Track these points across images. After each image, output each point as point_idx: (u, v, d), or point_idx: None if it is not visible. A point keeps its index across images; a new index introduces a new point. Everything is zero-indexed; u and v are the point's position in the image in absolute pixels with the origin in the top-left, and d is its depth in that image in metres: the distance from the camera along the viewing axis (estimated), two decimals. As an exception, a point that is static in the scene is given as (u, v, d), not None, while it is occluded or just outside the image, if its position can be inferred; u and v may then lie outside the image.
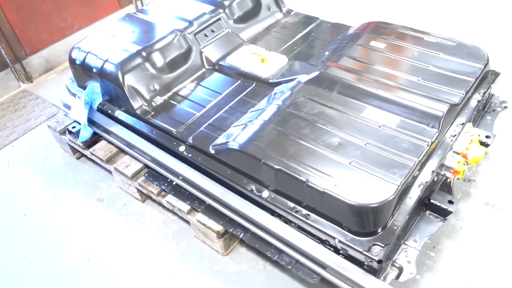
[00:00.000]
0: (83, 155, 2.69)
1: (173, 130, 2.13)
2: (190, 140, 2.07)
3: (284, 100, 2.06)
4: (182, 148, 2.07)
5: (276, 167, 1.75)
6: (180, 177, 2.07)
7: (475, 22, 3.53)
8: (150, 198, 2.34)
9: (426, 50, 2.28)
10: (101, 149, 2.41)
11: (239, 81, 2.40)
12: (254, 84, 2.36)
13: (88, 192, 2.47)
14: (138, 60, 2.29)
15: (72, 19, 3.79)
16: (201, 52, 2.52)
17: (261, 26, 2.82)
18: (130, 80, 2.25)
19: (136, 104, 2.26)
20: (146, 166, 2.29)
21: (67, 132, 2.53)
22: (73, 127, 2.47)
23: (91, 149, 2.42)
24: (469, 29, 3.44)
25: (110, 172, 2.50)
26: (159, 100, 2.32)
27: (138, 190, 2.30)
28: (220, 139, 2.01)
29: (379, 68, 2.18)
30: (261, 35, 2.77)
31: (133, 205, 2.36)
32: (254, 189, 1.86)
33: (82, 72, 2.42)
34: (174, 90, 2.38)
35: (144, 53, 2.32)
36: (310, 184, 1.68)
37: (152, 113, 2.25)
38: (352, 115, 1.95)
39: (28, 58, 3.58)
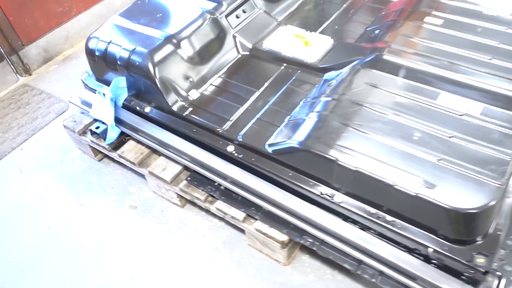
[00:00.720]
0: (105, 156, 2.42)
1: (218, 127, 1.89)
2: (239, 138, 1.83)
3: (342, 89, 1.82)
4: (230, 148, 1.83)
5: (354, 168, 1.53)
6: (230, 181, 1.83)
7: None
8: (190, 202, 2.10)
9: (489, 25, 2.05)
10: (131, 150, 2.15)
11: (282, 68, 2.15)
12: (299, 71, 2.11)
13: (118, 199, 2.22)
14: (170, 49, 2.01)
15: (69, 3, 3.45)
16: (234, 37, 2.24)
17: (294, 4, 2.54)
18: (162, 72, 1.97)
19: (171, 99, 2.00)
20: (185, 168, 2.05)
21: (89, 133, 2.25)
22: (97, 128, 2.19)
23: (119, 151, 2.16)
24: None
25: (140, 174, 2.25)
26: (195, 93, 2.05)
27: (178, 195, 2.06)
28: (276, 137, 1.78)
29: (442, 48, 1.96)
30: (294, 14, 2.51)
31: (171, 211, 2.13)
32: (323, 192, 1.64)
33: (104, 64, 2.13)
34: (210, 81, 2.12)
35: (174, 40, 2.04)
36: (398, 187, 1.47)
37: (190, 108, 1.99)
38: (426, 103, 1.73)
39: (25, 48, 3.25)
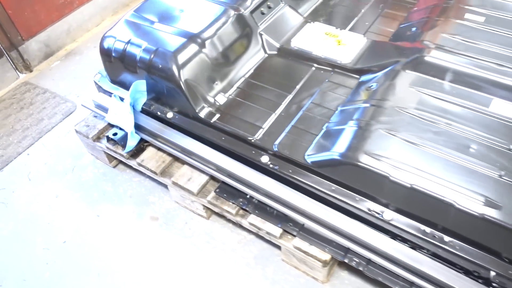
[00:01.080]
0: (120, 162, 2.27)
1: (250, 136, 1.75)
2: (274, 148, 1.69)
3: (384, 94, 1.69)
4: (265, 159, 1.69)
5: (409, 185, 1.41)
6: (264, 193, 1.70)
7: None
8: (216, 213, 1.97)
9: (536, 23, 1.93)
10: (151, 158, 2.00)
11: (313, 69, 2.00)
12: (332, 72, 1.97)
13: (137, 209, 2.08)
14: (194, 49, 1.86)
15: (71, -6, 3.24)
16: (260, 35, 2.09)
17: (319, -1, 2.39)
18: (187, 74, 1.82)
19: (197, 104, 1.85)
20: (212, 178, 1.91)
21: (104, 139, 2.09)
22: (114, 134, 2.03)
23: (138, 159, 2.01)
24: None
25: (159, 183, 2.11)
26: (222, 98, 1.91)
27: (205, 207, 1.92)
28: (316, 147, 1.64)
29: (489, 48, 1.83)
30: (320, 10, 2.35)
31: (196, 223, 2.00)
32: (371, 208, 1.52)
33: (121, 66, 1.96)
34: (237, 84, 1.97)
35: (199, 40, 1.88)
36: (460, 207, 1.35)
37: (218, 115, 1.84)
38: (478, 110, 1.61)
39: (25, 43, 3.05)
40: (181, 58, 1.81)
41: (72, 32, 3.35)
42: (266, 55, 2.09)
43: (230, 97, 1.92)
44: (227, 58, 1.96)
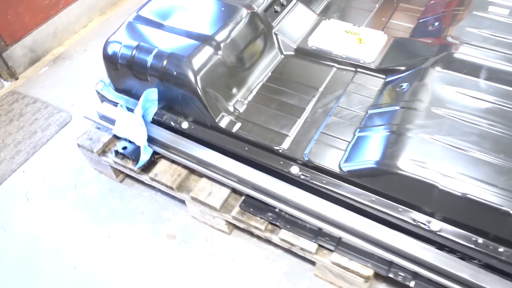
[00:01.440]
0: (127, 175, 2.12)
1: (277, 145, 1.62)
2: (305, 157, 1.57)
3: (417, 95, 1.59)
4: (295, 170, 1.58)
5: (461, 194, 1.32)
6: (296, 206, 1.59)
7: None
8: (238, 228, 1.84)
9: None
10: (165, 172, 1.86)
11: (334, 69, 1.89)
12: (355, 73, 1.86)
13: (151, 227, 1.94)
14: (210, 52, 1.72)
15: (56, -6, 3.04)
16: (275, 35, 1.96)
17: (330, -7, 2.27)
18: (205, 81, 1.68)
19: (216, 113, 1.71)
20: (233, 191, 1.78)
21: (111, 153, 1.93)
22: (124, 148, 1.88)
23: (151, 174, 1.86)
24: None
25: (172, 197, 1.97)
26: (241, 105, 1.77)
27: (227, 222, 1.79)
28: (351, 155, 1.53)
29: (518, 42, 1.75)
30: (333, 5, 2.23)
31: (218, 240, 1.87)
32: (416, 219, 1.42)
33: (129, 74, 1.80)
34: (255, 89, 1.84)
35: (214, 42, 1.74)
36: (518, 216, 1.26)
37: (239, 123, 1.71)
38: (519, 109, 1.52)
39: (9, 49, 2.84)
40: (197, 63, 1.67)
41: (58, 35, 3.14)
42: (283, 56, 1.96)
43: (250, 103, 1.79)
44: (243, 61, 1.83)
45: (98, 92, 2.00)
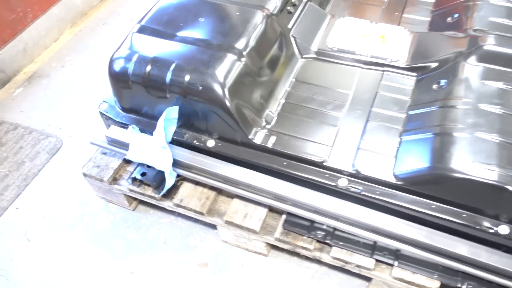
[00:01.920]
0: (141, 202, 1.93)
1: (319, 157, 1.50)
2: (353, 167, 1.47)
3: (459, 92, 1.53)
4: (343, 182, 1.47)
5: (534, 194, 1.25)
6: (347, 222, 1.48)
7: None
8: (276, 247, 1.71)
9: None
10: (191, 196, 1.70)
11: (360, 70, 1.79)
12: (383, 72, 1.77)
13: (178, 257, 1.77)
14: (235, 62, 1.57)
15: (23, 7, 2.77)
16: (294, 38, 1.84)
17: (336, -10, 2.17)
18: (233, 94, 1.53)
19: (248, 128, 1.57)
20: (270, 209, 1.65)
21: (129, 180, 1.74)
22: (143, 174, 1.69)
23: (176, 199, 1.69)
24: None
25: (195, 220, 1.81)
26: (271, 116, 1.64)
27: (267, 244, 1.66)
28: (403, 162, 1.44)
29: (545, 30, 1.72)
30: (340, 2, 2.13)
31: (255, 263, 1.73)
32: (481, 224, 1.35)
33: (142, 92, 1.62)
34: (282, 98, 1.71)
35: (236, 50, 1.59)
36: None
37: (273, 137, 1.58)
38: None
39: (-24, 71, 2.54)
40: (223, 74, 1.52)
41: (29, 52, 2.86)
42: (303, 60, 1.84)
43: (279, 114, 1.66)
44: (267, 69, 1.69)
45: (102, 114, 1.80)
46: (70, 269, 1.77)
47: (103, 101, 1.81)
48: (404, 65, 1.75)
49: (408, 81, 1.72)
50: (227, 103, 1.51)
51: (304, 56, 1.85)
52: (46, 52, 2.95)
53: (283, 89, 1.74)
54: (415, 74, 1.73)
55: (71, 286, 1.71)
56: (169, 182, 1.62)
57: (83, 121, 2.35)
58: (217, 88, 1.50)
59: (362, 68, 1.79)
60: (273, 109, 1.66)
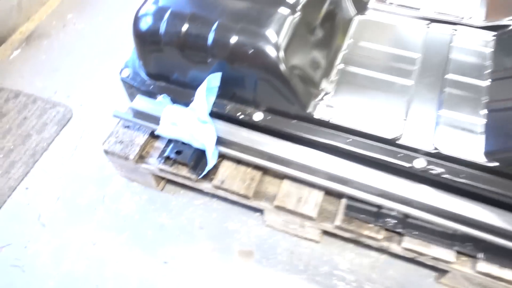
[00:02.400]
0: (168, 181, 1.70)
1: (391, 134, 1.28)
2: (433, 146, 1.24)
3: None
4: (421, 163, 1.25)
5: None
6: (423, 208, 1.27)
7: None
8: (326, 233, 1.51)
9: None
10: (234, 177, 1.47)
11: (427, 29, 1.54)
12: (455, 31, 1.52)
13: (217, 244, 1.56)
14: (289, 19, 1.31)
15: (15, -45, 2.41)
16: (347, -10, 1.56)
17: None
18: (291, 57, 1.28)
19: (306, 99, 1.33)
20: (326, 193, 1.43)
21: (160, 159, 1.51)
22: (178, 152, 1.46)
23: (216, 181, 1.47)
24: None
25: (233, 202, 1.59)
26: (328, 85, 1.39)
27: (323, 231, 1.46)
28: (495, 138, 1.22)
29: None
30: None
31: (306, 251, 1.54)
32: None
33: (178, 55, 1.36)
34: (339, 63, 1.46)
35: (289, 6, 1.32)
36: None
37: (332, 109, 1.34)
38: None
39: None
40: (278, 35, 1.26)
41: (24, 8, 2.53)
42: (358, 18, 1.57)
43: (337, 82, 1.41)
44: (321, 28, 1.43)
45: (125, 82, 1.53)
46: (93, 258, 1.56)
47: (125, 66, 1.54)
48: (480, 24, 1.49)
49: (486, 42, 1.47)
50: (283, 69, 1.26)
51: (360, 13, 1.58)
52: (43, 8, 2.62)
53: (340, 52, 1.48)
54: (494, 33, 1.48)
55: (97, 279, 1.51)
56: (212, 162, 1.39)
57: (94, 88, 2.09)
58: (271, 50, 1.25)
59: (428, 27, 1.53)
60: (331, 76, 1.41)
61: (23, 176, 1.81)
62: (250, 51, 1.25)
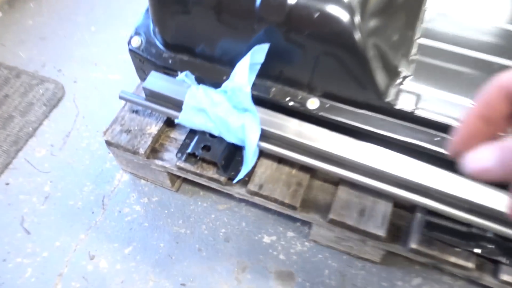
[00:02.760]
0: (185, 180, 1.37)
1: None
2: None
3: None
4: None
5: None
6: (529, 230, 0.97)
7: None
8: (391, 252, 1.20)
9: None
10: (275, 180, 1.15)
11: (522, -1, 1.21)
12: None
13: (247, 262, 1.25)
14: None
15: None
16: None
17: None
18: (369, 27, 0.95)
19: (383, 84, 0.99)
20: (396, 205, 1.12)
21: (181, 155, 1.17)
22: (206, 148, 1.12)
23: (252, 185, 1.14)
24: None
25: (265, 209, 1.27)
26: (407, 66, 1.06)
27: (388, 252, 1.15)
28: None
29: None
30: None
31: (357, 272, 1.23)
32: None
33: (211, 20, 1.01)
34: (417, 37, 1.13)
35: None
36: None
37: (415, 97, 1.02)
38: None
39: None
40: (366, 9, 0.92)
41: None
42: (437, -20, 1.23)
43: (418, 62, 1.08)
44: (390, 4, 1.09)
45: (135, 54, 1.18)
46: (91, 277, 1.24)
47: (136, 33, 1.18)
48: None
49: None
50: (358, 39, 0.92)
51: (438, -27, 1.23)
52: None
53: (416, 23, 1.15)
54: None
55: (98, 305, 1.18)
56: (252, 162, 1.05)
57: (92, 60, 1.73)
58: (343, 14, 0.91)
59: None
60: (407, 55, 1.08)
61: (3, 169, 1.46)
62: (316, 15, 0.91)
